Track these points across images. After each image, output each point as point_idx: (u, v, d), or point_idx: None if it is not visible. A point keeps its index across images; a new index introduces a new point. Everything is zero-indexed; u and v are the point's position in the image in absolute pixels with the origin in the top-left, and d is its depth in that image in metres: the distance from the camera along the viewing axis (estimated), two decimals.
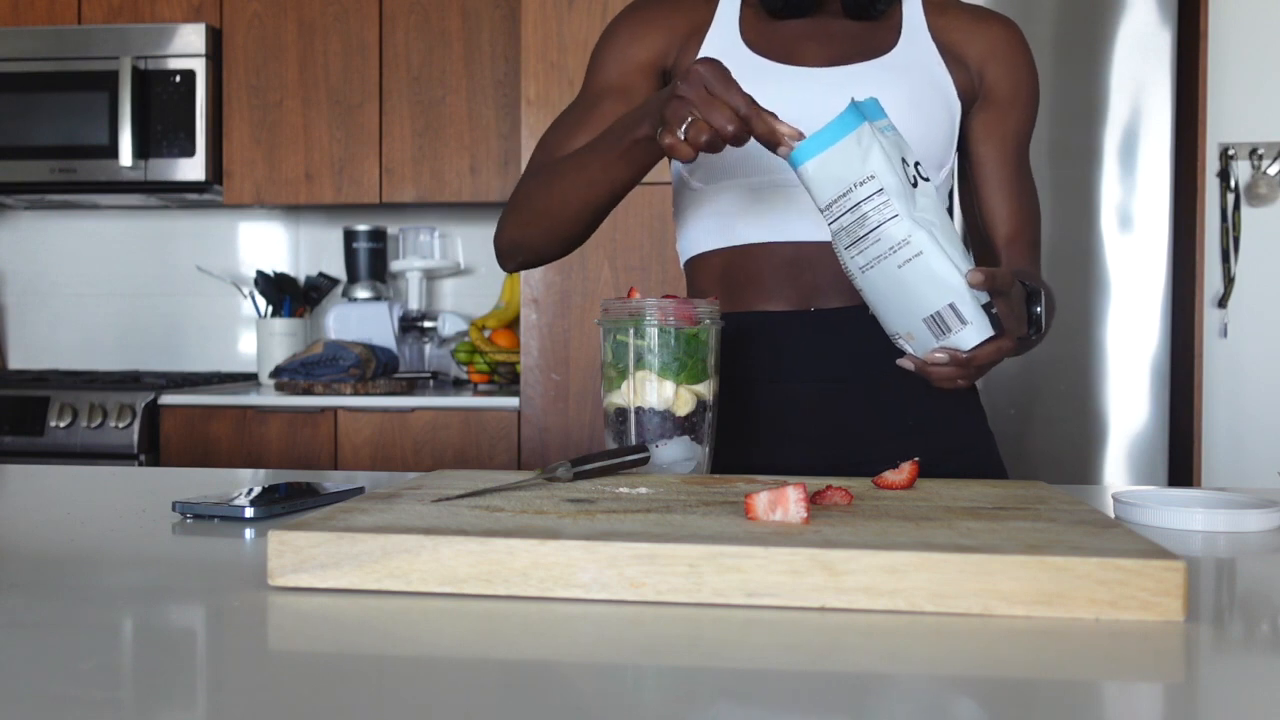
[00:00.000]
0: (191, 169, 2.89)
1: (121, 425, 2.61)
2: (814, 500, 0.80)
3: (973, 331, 0.92)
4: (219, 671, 0.56)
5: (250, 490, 0.99)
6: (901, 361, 0.98)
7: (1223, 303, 2.79)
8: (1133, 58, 2.35)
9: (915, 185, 0.92)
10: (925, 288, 0.91)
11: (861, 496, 0.85)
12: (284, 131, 2.93)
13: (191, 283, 3.29)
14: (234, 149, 2.94)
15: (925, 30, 1.21)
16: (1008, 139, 1.23)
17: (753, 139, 0.93)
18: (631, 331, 1.01)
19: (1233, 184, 2.79)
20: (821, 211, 0.94)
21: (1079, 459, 2.37)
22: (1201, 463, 2.45)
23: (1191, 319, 2.44)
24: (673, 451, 1.01)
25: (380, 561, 0.66)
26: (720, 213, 1.21)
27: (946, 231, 0.92)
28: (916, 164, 0.93)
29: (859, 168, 0.90)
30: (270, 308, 3.07)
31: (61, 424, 2.62)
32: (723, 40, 1.20)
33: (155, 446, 2.67)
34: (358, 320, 3.00)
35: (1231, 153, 2.79)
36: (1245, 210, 2.81)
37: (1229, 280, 2.78)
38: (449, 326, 3.09)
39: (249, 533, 0.87)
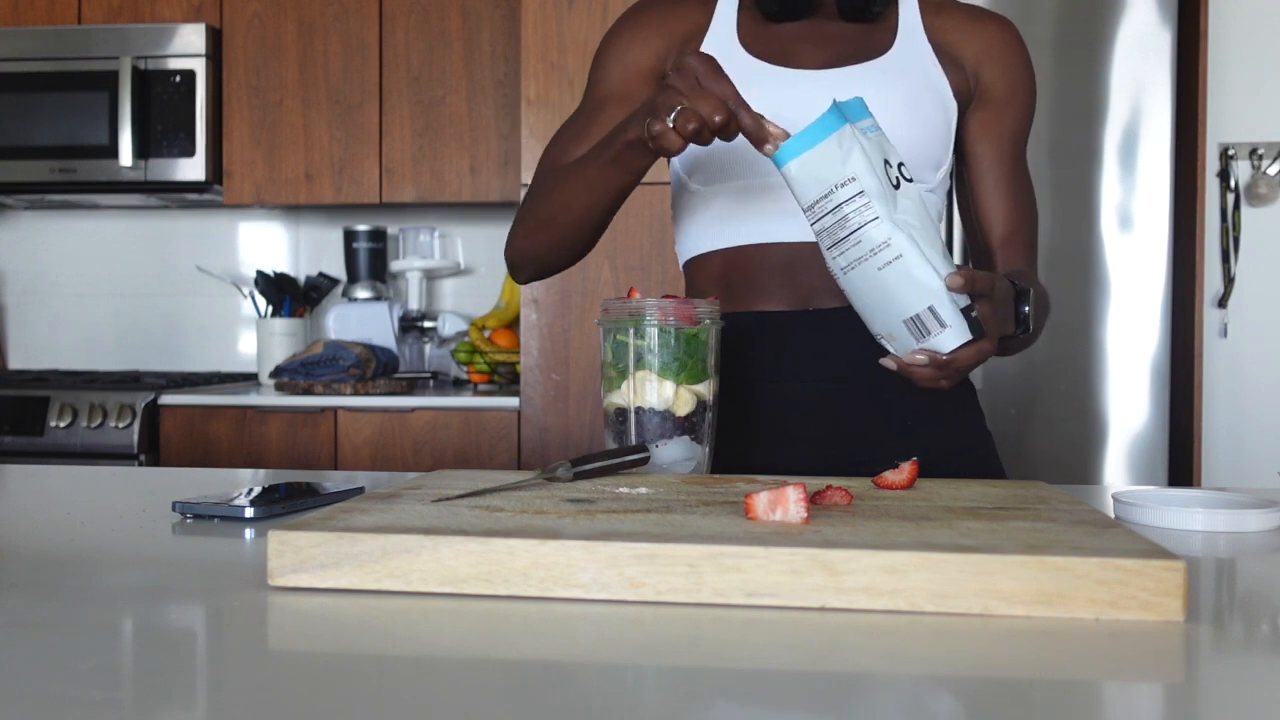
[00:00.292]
0: (191, 169, 2.89)
1: (121, 425, 2.61)
2: (814, 500, 0.80)
3: (951, 335, 0.92)
4: (219, 671, 0.56)
5: (250, 490, 0.99)
6: (884, 361, 0.98)
7: (1223, 303, 2.79)
8: (1133, 58, 2.35)
9: (898, 187, 0.91)
10: (904, 290, 0.91)
11: (861, 496, 0.85)
12: (284, 131, 2.93)
13: (191, 283, 3.29)
14: (234, 149, 2.94)
15: (921, 31, 1.21)
16: (1004, 138, 1.23)
17: (744, 139, 0.94)
18: (631, 331, 1.01)
19: (1233, 184, 2.79)
20: (804, 212, 0.94)
21: (1079, 459, 2.37)
22: (1201, 463, 2.45)
23: (1191, 319, 2.44)
24: (673, 451, 1.01)
25: (380, 561, 0.66)
26: (718, 214, 1.21)
27: (927, 234, 0.92)
28: (900, 165, 0.93)
29: (840, 169, 0.90)
30: (270, 308, 3.07)
31: (61, 424, 2.62)
32: (720, 43, 1.21)
33: (155, 446, 2.67)
34: (358, 320, 3.00)
35: (1231, 153, 2.79)
36: (1245, 210, 2.81)
37: (1229, 280, 2.78)
38: (449, 326, 3.09)
39: (249, 533, 0.87)
